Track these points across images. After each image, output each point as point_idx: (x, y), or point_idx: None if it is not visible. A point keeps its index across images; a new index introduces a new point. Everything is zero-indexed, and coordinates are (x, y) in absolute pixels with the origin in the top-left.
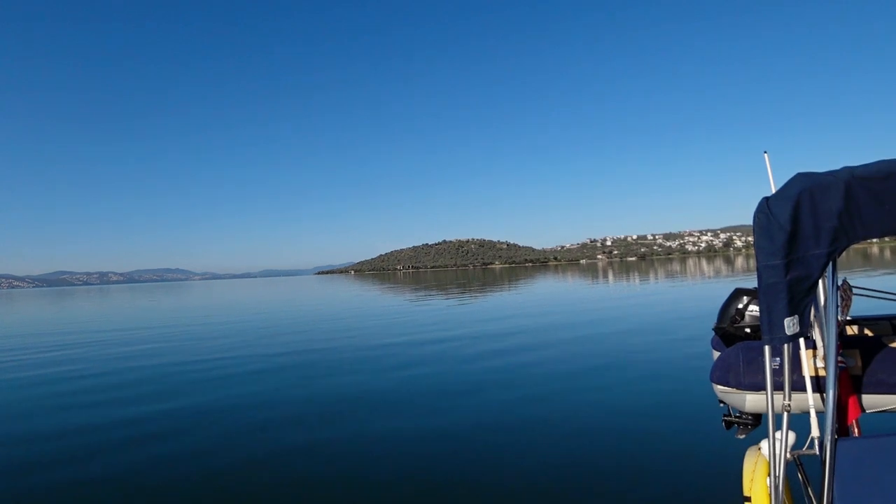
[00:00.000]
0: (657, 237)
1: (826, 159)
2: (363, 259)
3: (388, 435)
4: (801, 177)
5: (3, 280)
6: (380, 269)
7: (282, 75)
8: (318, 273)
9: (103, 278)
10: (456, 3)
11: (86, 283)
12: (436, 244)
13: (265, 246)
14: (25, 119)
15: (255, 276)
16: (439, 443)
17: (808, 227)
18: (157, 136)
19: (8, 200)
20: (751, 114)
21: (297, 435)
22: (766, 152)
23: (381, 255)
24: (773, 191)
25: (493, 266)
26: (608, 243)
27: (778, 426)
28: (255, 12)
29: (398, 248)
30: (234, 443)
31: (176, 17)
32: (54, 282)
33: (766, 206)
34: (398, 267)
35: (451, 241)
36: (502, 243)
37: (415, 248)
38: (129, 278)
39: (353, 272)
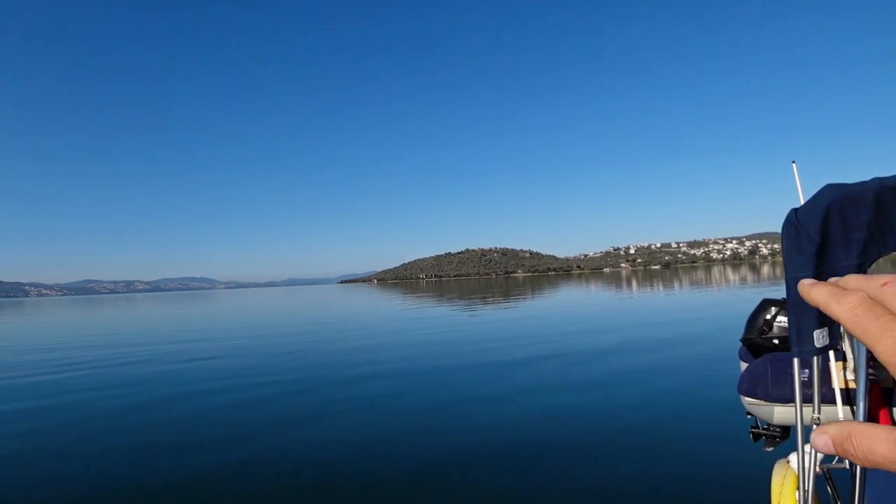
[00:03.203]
0: (681, 245)
1: (856, 170)
2: (386, 268)
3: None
4: (830, 188)
5: (33, 288)
6: (402, 278)
7: (304, 82)
8: (342, 282)
9: (129, 286)
10: (478, 7)
11: (112, 292)
12: (458, 253)
13: (288, 255)
14: (52, 133)
15: (279, 285)
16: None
17: (838, 239)
18: (181, 147)
19: (37, 210)
20: (779, 123)
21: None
22: (794, 162)
23: (403, 263)
24: (802, 202)
25: (516, 275)
26: (631, 251)
27: (807, 439)
28: (278, 16)
29: (421, 257)
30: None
31: (194, 21)
32: (82, 290)
33: (795, 218)
34: (421, 276)
35: (473, 250)
36: (525, 252)
37: (437, 256)
38: (155, 287)
39: (375, 281)
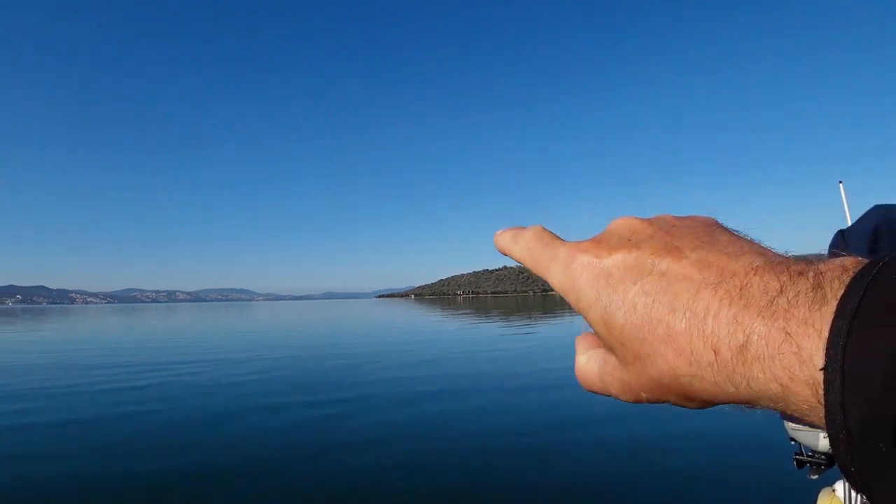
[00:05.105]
0: None
1: None
2: (423, 283)
3: None
4: (878, 208)
5: (78, 296)
6: (440, 294)
7: (339, 99)
8: (379, 297)
9: (171, 296)
10: (525, 24)
11: (154, 301)
12: (496, 269)
13: (326, 268)
14: (99, 147)
15: (317, 298)
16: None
17: None
18: (221, 162)
19: (83, 220)
20: (824, 142)
21: None
22: (841, 182)
23: (440, 279)
24: (849, 223)
25: (554, 294)
26: None
27: None
28: (304, 37)
29: (458, 273)
30: None
31: (226, 39)
32: (125, 299)
33: (842, 240)
34: (458, 292)
35: (511, 267)
36: None
37: (475, 273)
38: (196, 297)
39: (412, 296)
